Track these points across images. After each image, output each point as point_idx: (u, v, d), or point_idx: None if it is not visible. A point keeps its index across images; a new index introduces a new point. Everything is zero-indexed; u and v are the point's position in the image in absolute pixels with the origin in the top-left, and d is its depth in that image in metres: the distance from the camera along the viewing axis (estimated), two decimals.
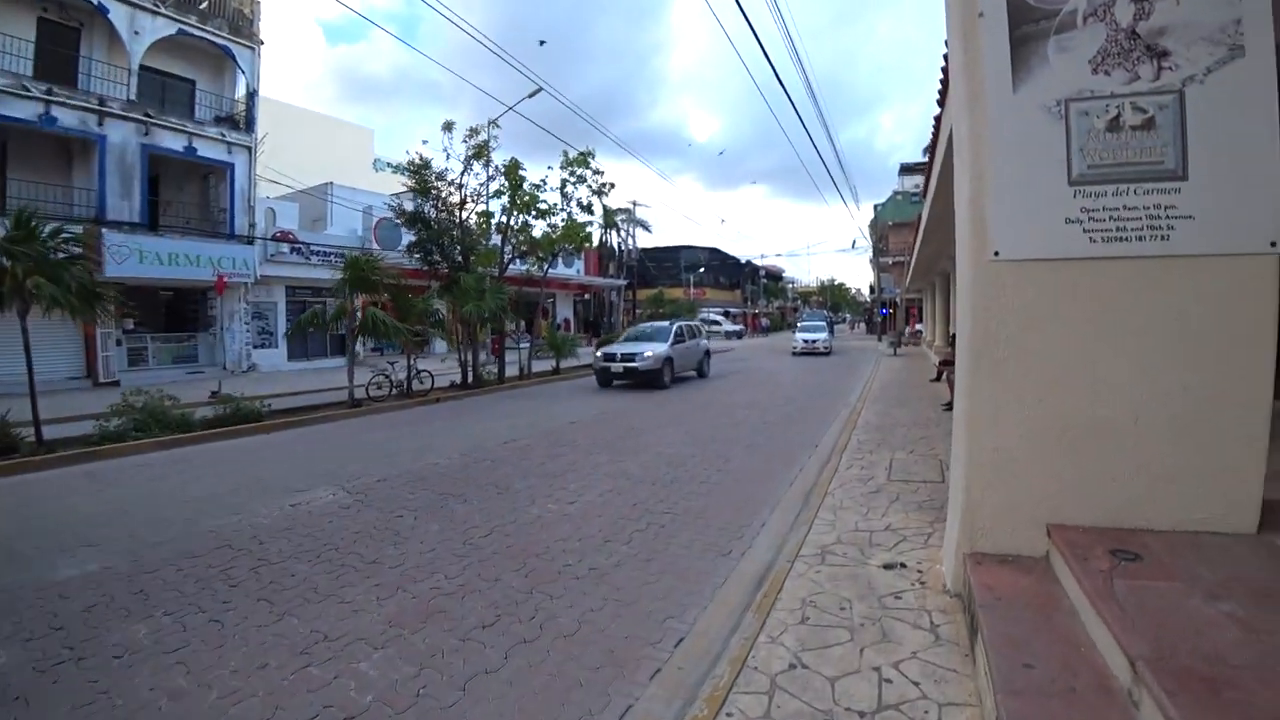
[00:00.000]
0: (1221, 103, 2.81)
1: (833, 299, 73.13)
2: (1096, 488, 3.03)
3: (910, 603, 3.32)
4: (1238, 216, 2.79)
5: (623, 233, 45.63)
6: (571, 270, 32.94)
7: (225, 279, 18.23)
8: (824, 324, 31.28)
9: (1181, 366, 2.91)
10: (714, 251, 54.33)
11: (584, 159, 19.31)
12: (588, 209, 19.59)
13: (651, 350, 15.31)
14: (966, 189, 3.05)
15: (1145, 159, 2.85)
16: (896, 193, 41.30)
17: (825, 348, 27.12)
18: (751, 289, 58.47)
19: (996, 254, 2.98)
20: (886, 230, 39.86)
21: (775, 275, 66.41)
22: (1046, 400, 3.02)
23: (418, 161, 15.42)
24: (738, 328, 49.07)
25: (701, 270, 49.01)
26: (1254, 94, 2.79)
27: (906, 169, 40.82)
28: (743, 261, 57.66)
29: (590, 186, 19.71)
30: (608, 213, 45.34)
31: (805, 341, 27.32)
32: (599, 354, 16.66)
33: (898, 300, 38.31)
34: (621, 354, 15.53)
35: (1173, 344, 2.91)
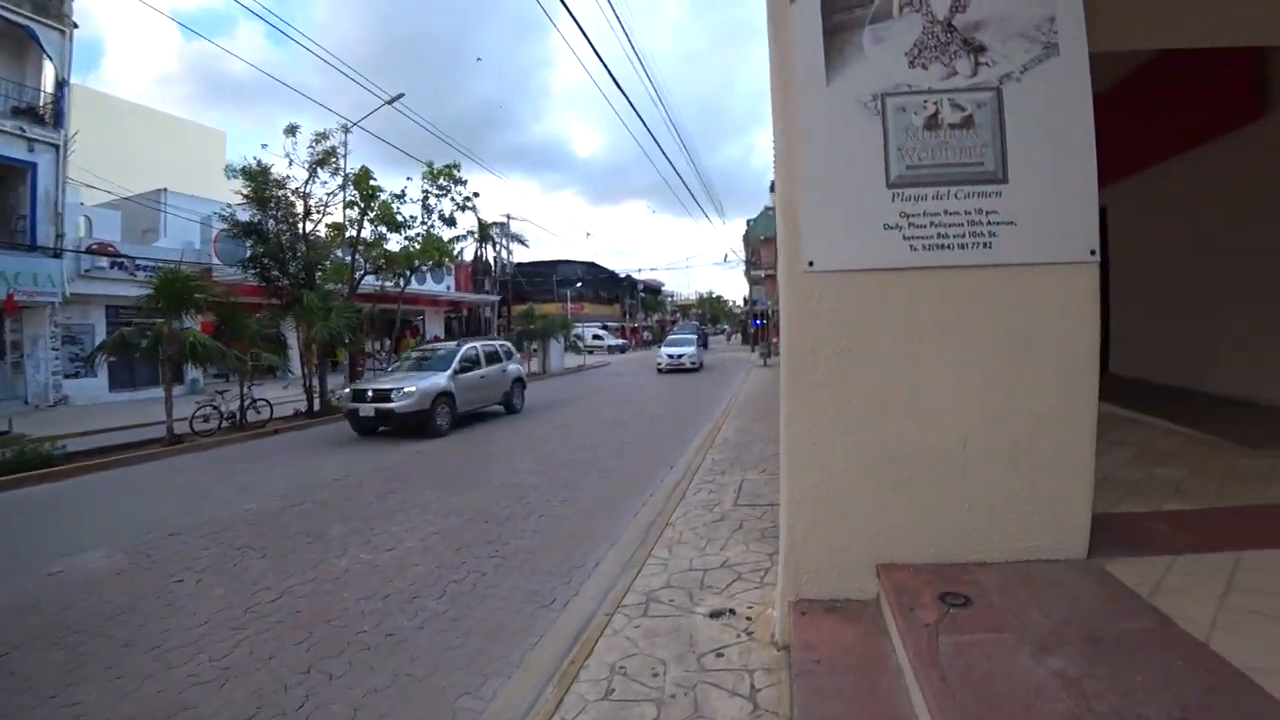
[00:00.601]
0: (1038, 103, 2.64)
1: (711, 311, 74.96)
2: (928, 521, 2.75)
3: (733, 661, 2.90)
4: (1057, 222, 2.61)
5: (498, 247, 44.47)
6: (441, 286, 31.52)
7: (16, 298, 15.38)
8: (693, 338, 29.00)
9: (1010, 386, 2.71)
10: (592, 266, 53.83)
11: (449, 171, 18.60)
12: (450, 222, 18.78)
13: (416, 385, 11.04)
14: (781, 193, 2.69)
15: (965, 160, 2.61)
16: (767, 208, 42.84)
17: (693, 363, 25.04)
18: (630, 303, 58.63)
19: (811, 264, 2.64)
20: (759, 244, 41.21)
21: (654, 289, 67.00)
22: (872, 428, 2.70)
23: (254, 167, 13.68)
24: (621, 342, 48.89)
25: (579, 284, 48.51)
26: (1069, 95, 2.64)
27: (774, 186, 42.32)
28: (621, 275, 57.48)
29: (454, 199, 18.96)
30: (482, 226, 44.21)
31: (670, 358, 24.80)
32: (348, 391, 12.73)
33: (769, 312, 39.62)
34: (374, 391, 11.18)
35: (1001, 362, 2.70)
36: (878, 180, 2.61)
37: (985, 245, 2.60)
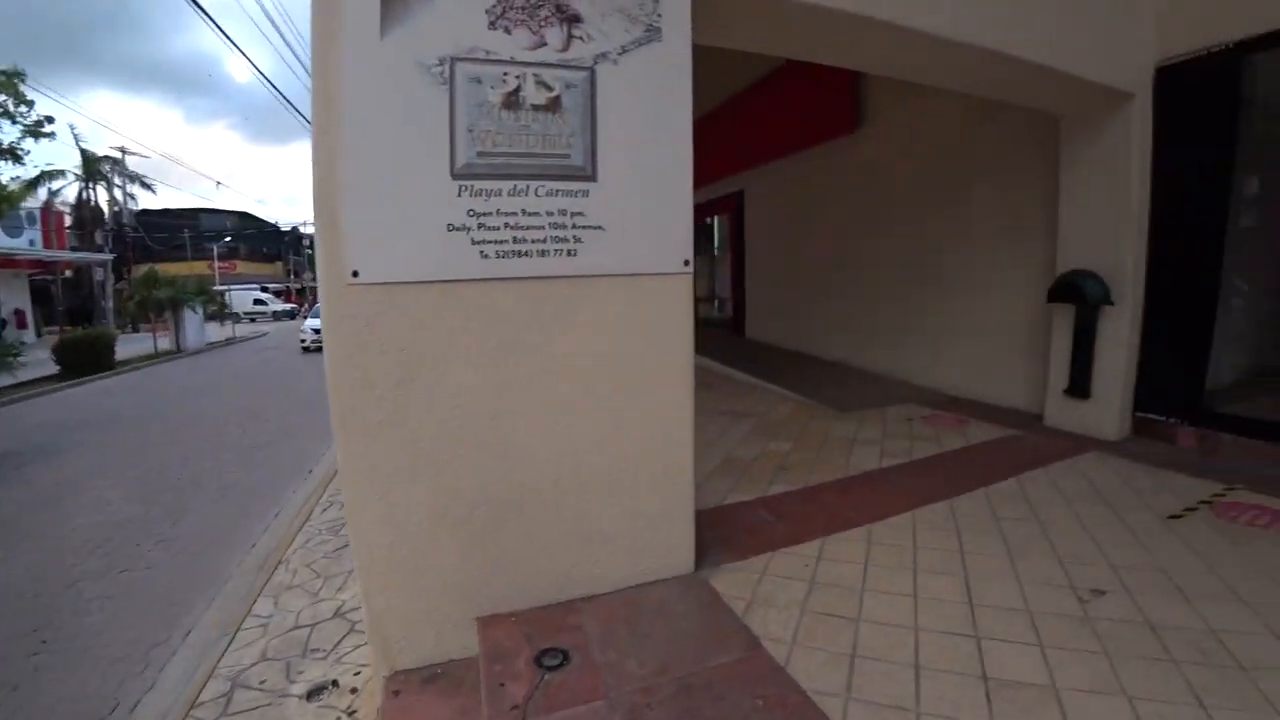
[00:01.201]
0: (636, 91, 2.35)
1: None
2: (527, 563, 2.41)
3: None
4: (650, 229, 2.39)
5: (114, 189, 35.52)
6: (20, 240, 23.26)
7: None
8: None
9: (605, 407, 2.46)
10: (246, 217, 46.00)
11: (9, 81, 13.88)
12: (13, 155, 14.11)
13: None
14: (317, 179, 2.01)
15: (549, 150, 2.22)
16: None
17: None
18: (296, 260, 51.29)
19: (356, 275, 2.03)
20: None
21: None
22: (449, 469, 2.24)
23: None
24: (289, 307, 41.46)
25: (229, 239, 41.13)
26: (670, 88, 2.42)
27: None
28: (284, 229, 50.23)
29: (21, 122, 14.31)
30: (88, 162, 34.50)
31: (317, 333, 18.69)
32: None
33: None
34: None
35: (594, 382, 2.43)
36: (441, 169, 2.09)
37: (570, 253, 2.27)
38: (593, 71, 2.27)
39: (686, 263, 2.44)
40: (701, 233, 12.71)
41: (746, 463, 4.19)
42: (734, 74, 9.19)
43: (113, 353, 15.20)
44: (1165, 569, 2.61)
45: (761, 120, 8.65)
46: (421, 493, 2.18)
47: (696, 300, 11.21)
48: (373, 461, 2.10)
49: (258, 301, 37.90)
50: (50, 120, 14.48)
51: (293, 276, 49.89)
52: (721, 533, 3.10)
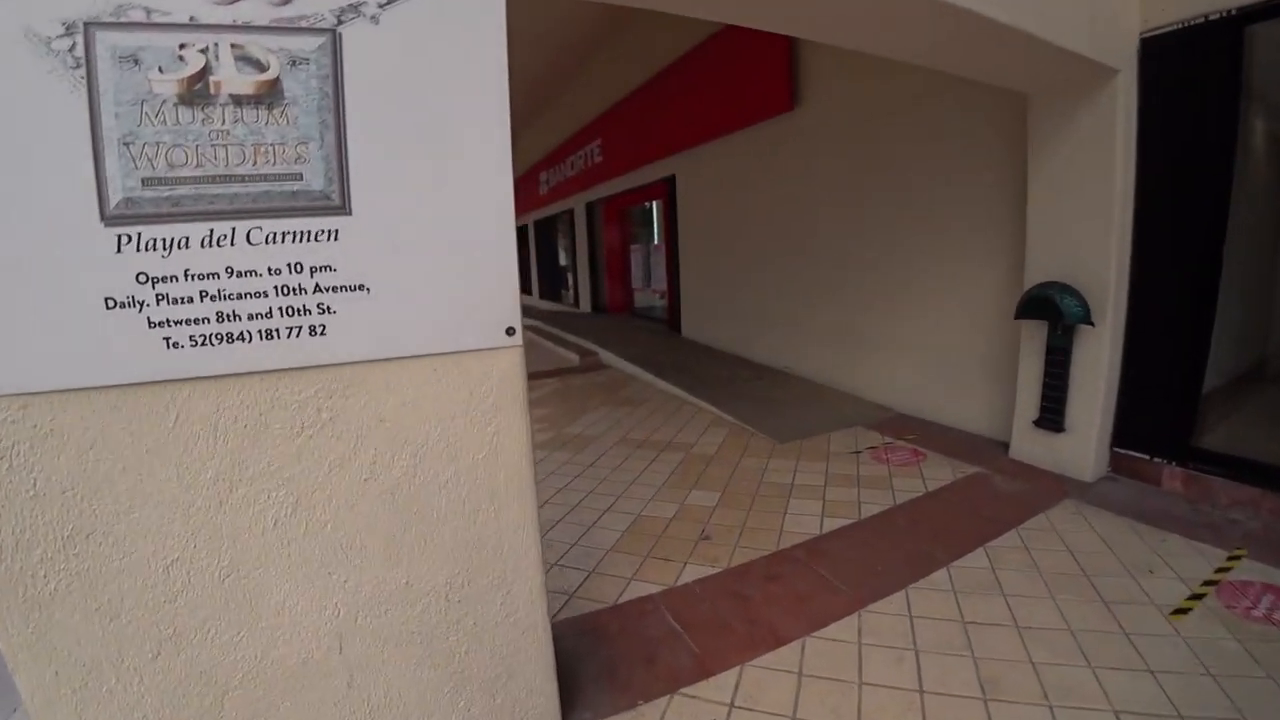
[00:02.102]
0: (413, 64, 1.45)
1: None
2: None
3: None
4: (447, 283, 1.51)
5: None
6: None
7: None
8: None
9: (396, 559, 1.61)
10: None
11: None
12: None
13: None
14: None
15: (266, 168, 1.31)
16: None
17: None
18: None
19: None
20: None
21: None
22: (170, 652, 1.36)
23: None
24: None
25: None
26: (473, 53, 1.51)
27: None
28: None
29: None
30: None
31: None
32: None
33: None
34: None
35: (374, 522, 1.58)
36: (83, 210, 1.18)
37: (316, 331, 1.39)
38: (335, 36, 1.35)
39: (511, 331, 1.57)
40: (640, 218, 11.82)
41: (660, 527, 3.39)
42: (662, 44, 8.28)
43: None
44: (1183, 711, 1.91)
45: (691, 98, 7.79)
46: (137, 685, 1.30)
47: (632, 292, 10.37)
48: (52, 646, 1.21)
49: None
50: None
51: None
52: (609, 656, 2.30)
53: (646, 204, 11.09)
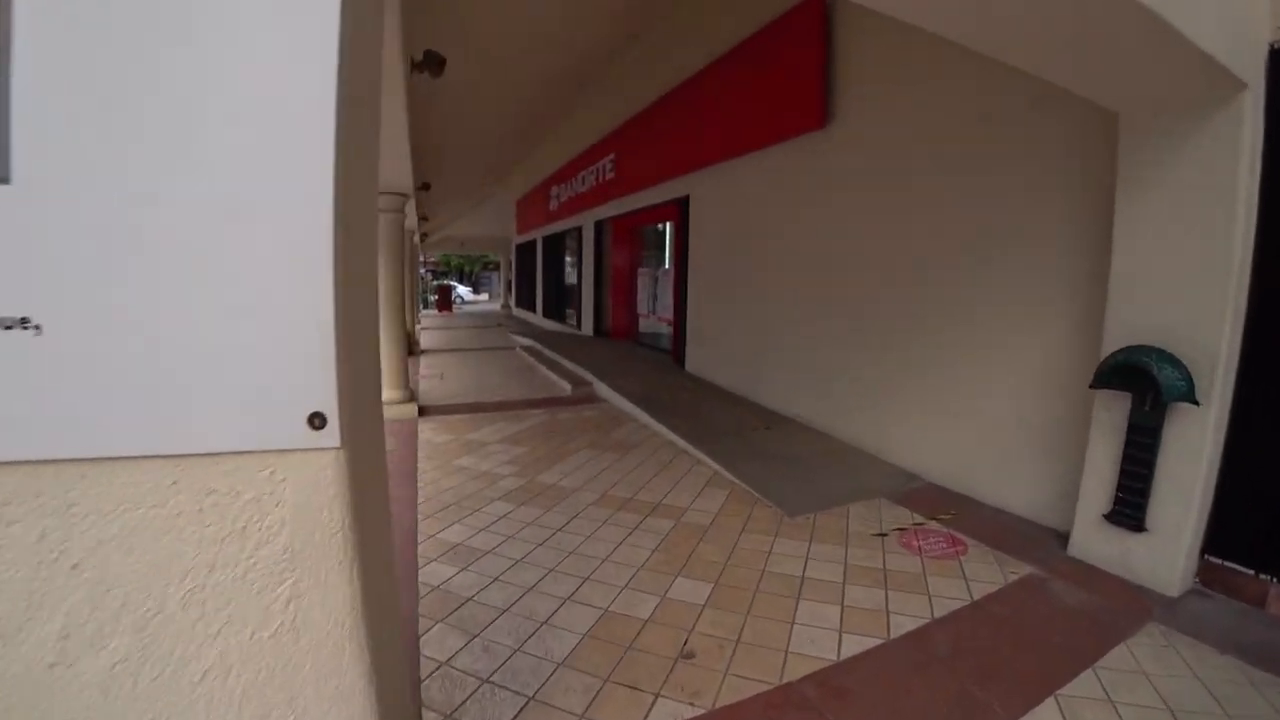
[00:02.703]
0: None
1: None
2: None
3: None
4: (203, 333, 0.81)
5: None
6: None
7: None
8: None
9: None
10: None
11: None
12: None
13: None
14: None
15: None
16: None
17: None
18: None
19: None
20: None
21: None
22: None
23: None
24: None
25: None
26: None
27: None
28: None
29: None
30: None
31: None
32: None
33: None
34: None
35: None
36: None
37: None
38: None
39: (320, 422, 0.85)
40: (650, 240, 11.18)
41: (632, 632, 2.64)
42: (682, 56, 7.68)
43: None
44: None
45: (711, 112, 7.16)
46: None
47: (637, 317, 9.68)
48: None
49: None
50: None
51: None
52: None
53: (658, 225, 10.45)
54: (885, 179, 4.84)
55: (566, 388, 7.87)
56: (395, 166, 5.50)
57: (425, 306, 28.07)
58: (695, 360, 8.16)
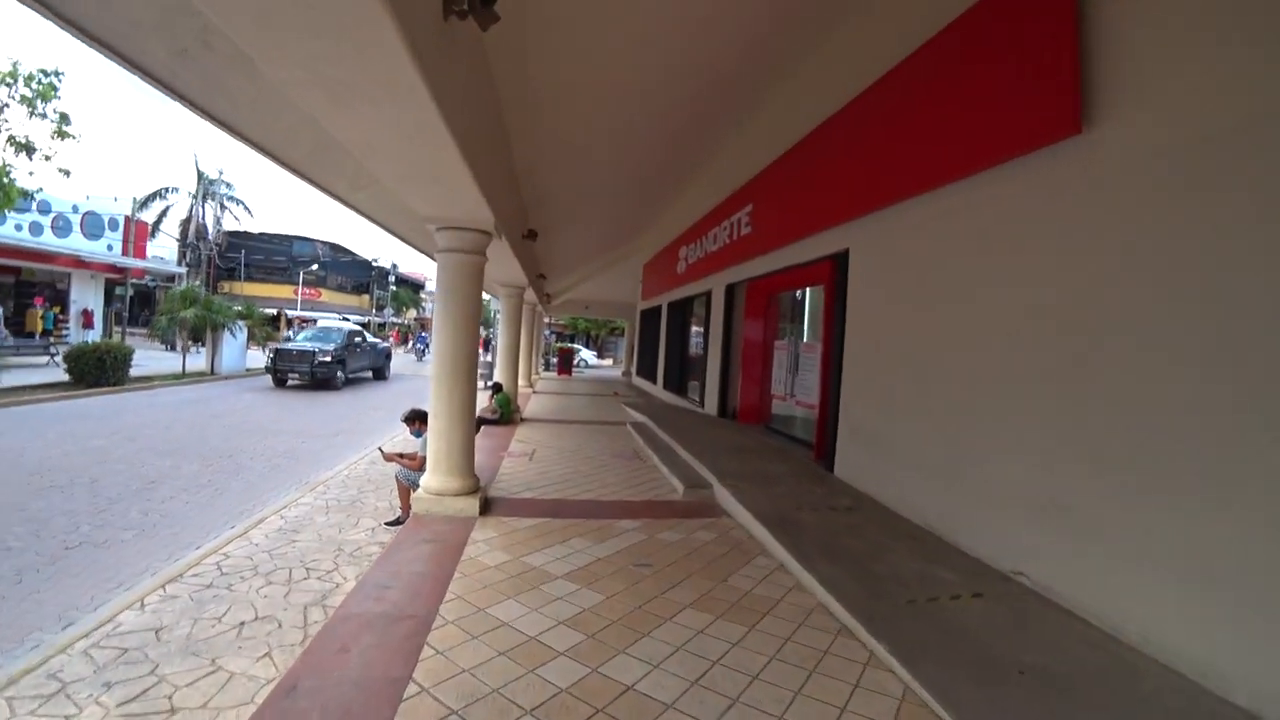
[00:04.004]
0: None
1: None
2: None
3: None
4: None
5: (214, 209, 36.74)
6: (99, 245, 23.81)
7: None
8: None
9: None
10: (336, 248, 45.77)
11: (50, 89, 13.30)
12: (27, 149, 13.15)
13: None
14: None
15: None
16: None
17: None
18: (380, 295, 51.25)
19: None
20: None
21: (417, 284, 59.33)
22: None
23: None
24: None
25: (316, 266, 40.95)
26: None
27: None
28: (373, 262, 50.15)
29: (52, 121, 13.53)
30: (204, 180, 36.47)
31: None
32: None
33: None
34: None
35: None
36: None
37: None
38: None
39: None
40: (791, 307, 9.39)
41: None
42: (838, 81, 6.03)
43: (127, 367, 14.72)
44: None
45: (881, 142, 5.42)
46: None
47: (770, 399, 7.63)
48: None
49: (355, 333, 37.02)
50: (68, 123, 13.28)
51: (375, 310, 49.86)
52: None
53: (802, 290, 8.67)
54: (1181, 209, 2.86)
55: (678, 488, 6.12)
56: (456, 194, 4.17)
57: (547, 368, 27.62)
58: (850, 464, 6.13)
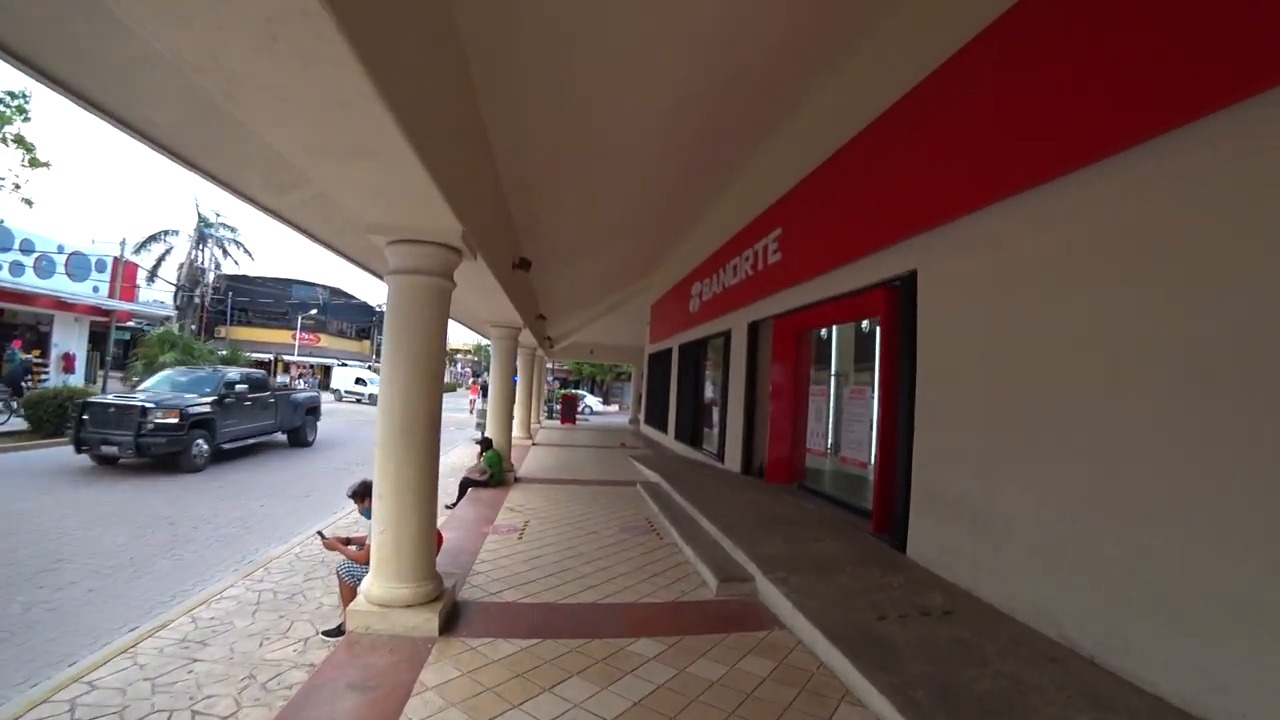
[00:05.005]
0: None
1: (486, 360, 68.04)
2: None
3: None
4: None
5: (214, 252, 36.15)
6: (83, 286, 22.92)
7: None
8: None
9: None
10: (337, 292, 45.09)
11: (21, 108, 12.49)
12: None
13: None
14: None
15: None
16: None
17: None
18: (380, 339, 50.58)
19: None
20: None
21: None
22: None
23: None
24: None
25: (316, 311, 40.08)
26: None
27: None
28: (375, 307, 49.21)
29: (26, 147, 12.76)
30: (202, 222, 35.97)
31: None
32: None
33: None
34: None
35: None
36: None
37: None
38: None
39: None
40: (827, 346, 8.10)
41: None
42: (892, 70, 4.86)
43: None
44: None
45: (962, 125, 4.21)
46: None
47: (804, 454, 6.25)
48: None
49: (359, 381, 36.04)
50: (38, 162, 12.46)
51: (376, 355, 48.89)
52: None
53: (848, 324, 7.38)
54: None
55: (709, 582, 4.69)
56: (402, 185, 2.93)
57: (550, 416, 26.16)
58: (929, 541, 4.72)
